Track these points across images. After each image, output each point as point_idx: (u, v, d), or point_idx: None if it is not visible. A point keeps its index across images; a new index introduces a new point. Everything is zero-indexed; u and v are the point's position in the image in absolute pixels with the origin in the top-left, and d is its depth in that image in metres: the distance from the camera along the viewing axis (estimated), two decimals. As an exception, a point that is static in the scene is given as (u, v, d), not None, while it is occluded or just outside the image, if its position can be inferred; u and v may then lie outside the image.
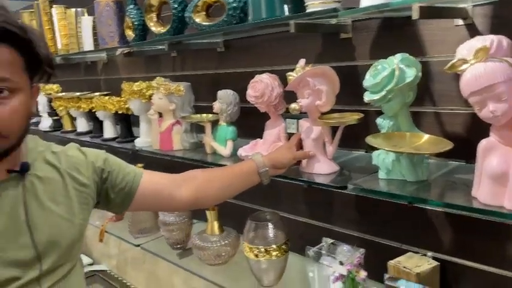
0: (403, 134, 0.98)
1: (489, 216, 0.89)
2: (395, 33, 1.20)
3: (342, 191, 1.36)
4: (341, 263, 1.11)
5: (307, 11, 1.10)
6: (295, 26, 1.10)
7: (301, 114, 1.24)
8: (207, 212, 1.53)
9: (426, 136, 0.98)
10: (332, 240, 1.23)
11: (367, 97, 1.00)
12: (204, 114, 1.55)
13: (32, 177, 0.88)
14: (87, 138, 2.07)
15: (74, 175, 0.94)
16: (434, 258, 1.15)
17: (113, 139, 1.94)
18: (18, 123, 0.80)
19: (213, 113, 1.51)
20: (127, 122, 1.91)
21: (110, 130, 1.97)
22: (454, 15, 1.05)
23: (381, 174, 1.04)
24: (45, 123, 2.49)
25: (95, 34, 1.96)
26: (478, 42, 0.80)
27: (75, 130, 2.27)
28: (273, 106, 1.31)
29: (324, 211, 1.46)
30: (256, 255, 1.30)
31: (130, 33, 1.73)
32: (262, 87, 1.27)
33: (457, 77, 1.08)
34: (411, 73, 0.96)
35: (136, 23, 1.68)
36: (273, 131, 1.34)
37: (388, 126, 1.01)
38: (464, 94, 0.82)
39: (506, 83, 0.77)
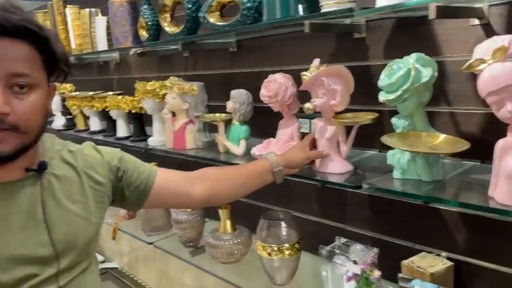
0: (418, 133, 0.98)
1: (506, 216, 0.88)
2: (410, 33, 1.20)
3: (355, 191, 1.36)
4: (355, 262, 1.12)
5: (322, 11, 1.10)
6: (309, 26, 1.11)
7: (314, 114, 1.24)
8: (220, 211, 1.54)
9: (442, 136, 0.97)
10: (345, 240, 1.23)
11: (382, 97, 1.00)
12: (217, 114, 1.56)
13: (49, 176, 0.89)
14: (100, 137, 2.09)
15: (90, 174, 0.95)
16: (448, 258, 1.15)
17: (126, 138, 1.96)
18: (37, 120, 0.82)
19: (226, 113, 1.52)
20: (140, 121, 1.92)
21: (123, 129, 1.99)
22: (470, 15, 1.04)
23: (396, 174, 1.04)
24: (59, 122, 2.52)
25: (108, 34, 1.98)
26: (496, 42, 0.80)
27: (88, 129, 2.30)
28: (286, 106, 1.31)
29: (337, 210, 1.46)
30: (269, 254, 1.31)
31: (143, 33, 1.74)
32: (276, 86, 1.28)
33: (472, 76, 1.09)
34: (427, 73, 0.95)
35: (150, 23, 1.69)
36: (286, 131, 1.34)
37: (404, 126, 1.01)
38: (481, 94, 0.82)
39: (525, 82, 0.77)
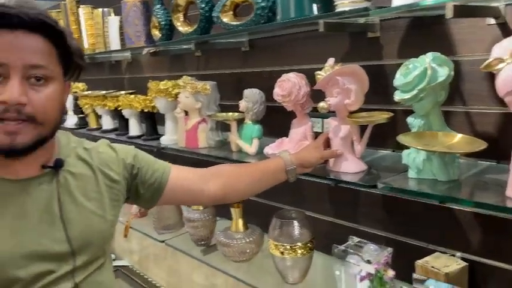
0: (434, 133, 0.98)
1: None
2: (424, 32, 1.19)
3: (368, 190, 1.36)
4: (369, 262, 1.11)
5: (337, 10, 1.10)
6: (324, 25, 1.11)
7: (327, 114, 1.24)
8: (232, 210, 1.55)
9: (459, 136, 0.97)
10: (358, 239, 1.23)
11: (398, 96, 1.00)
12: (230, 113, 1.57)
13: (65, 173, 0.89)
14: (112, 136, 2.10)
15: (105, 171, 0.96)
16: (462, 259, 1.15)
17: (138, 137, 1.98)
18: (53, 111, 0.83)
19: (239, 112, 1.52)
20: (152, 120, 1.94)
21: (135, 128, 2.01)
22: (486, 14, 1.04)
23: (411, 174, 1.04)
24: (71, 120, 2.55)
25: (121, 34, 2.00)
26: (514, 41, 0.80)
27: (101, 128, 2.32)
28: (299, 105, 1.32)
29: (349, 210, 1.46)
30: (282, 253, 1.32)
31: (156, 33, 1.76)
32: (290, 86, 1.28)
33: (488, 76, 1.08)
34: (443, 72, 0.95)
35: (163, 22, 1.71)
36: (299, 130, 1.35)
37: (419, 125, 1.00)
38: (500, 93, 0.82)
39: (544, 82, 0.76)
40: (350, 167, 1.16)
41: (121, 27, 1.99)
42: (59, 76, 0.84)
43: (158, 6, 1.73)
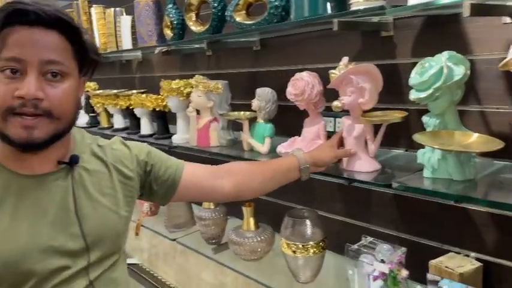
0: (451, 132, 0.97)
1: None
2: (438, 31, 1.19)
3: (380, 190, 1.36)
4: (383, 261, 1.11)
5: (352, 8, 1.10)
6: (338, 24, 1.11)
7: (339, 113, 1.24)
8: (243, 208, 1.55)
9: (475, 135, 0.96)
10: (372, 239, 1.22)
11: (413, 95, 1.00)
12: (242, 112, 1.57)
13: (80, 169, 0.90)
14: (123, 135, 2.11)
15: (119, 168, 0.97)
16: (477, 259, 1.14)
17: (150, 136, 1.99)
18: (69, 107, 0.84)
19: (250, 111, 1.53)
20: (163, 119, 1.94)
21: (146, 127, 2.02)
22: (502, 13, 1.03)
23: (426, 173, 1.03)
24: (82, 119, 2.57)
25: (133, 33, 2.01)
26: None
27: (112, 126, 2.33)
28: (312, 104, 1.32)
29: (361, 210, 1.45)
30: (294, 252, 1.32)
31: (168, 32, 1.77)
32: (303, 85, 1.28)
33: (504, 75, 1.08)
34: (460, 71, 0.95)
35: (175, 22, 1.72)
36: (312, 129, 1.34)
37: (435, 124, 1.00)
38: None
39: None
40: (364, 166, 1.16)
41: (133, 27, 2.01)
42: (75, 72, 0.85)
43: (170, 5, 1.74)
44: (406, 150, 1.29)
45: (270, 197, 1.72)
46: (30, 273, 0.80)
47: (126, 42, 2.05)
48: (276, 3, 1.29)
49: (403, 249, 1.14)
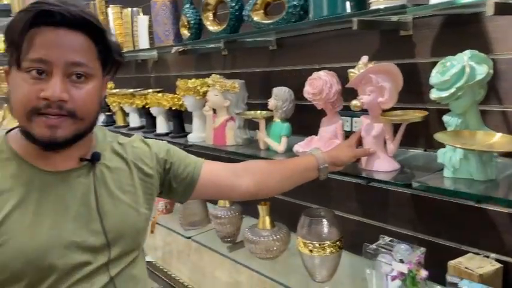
0: (473, 132, 0.97)
1: None
2: (458, 30, 1.18)
3: (398, 189, 1.35)
4: (401, 261, 1.11)
5: (372, 7, 1.10)
6: (358, 23, 1.11)
7: (356, 112, 1.23)
8: (259, 207, 1.56)
9: (498, 135, 0.95)
10: (390, 238, 1.22)
11: (435, 94, 0.99)
12: (259, 111, 1.58)
13: (101, 167, 0.92)
14: (139, 134, 2.13)
15: (140, 165, 0.98)
16: (497, 260, 1.13)
17: (166, 134, 2.00)
18: (93, 107, 0.85)
19: (267, 110, 1.53)
20: (179, 118, 1.96)
21: (162, 126, 2.03)
22: (526, 12, 1.02)
23: (447, 173, 1.02)
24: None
25: (150, 33, 2.03)
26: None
27: (128, 125, 2.36)
28: (330, 103, 1.32)
29: (378, 210, 1.45)
30: (311, 251, 1.32)
31: (185, 32, 1.78)
32: (321, 84, 1.28)
33: (526, 74, 1.07)
34: (482, 70, 0.94)
35: (192, 21, 1.73)
36: (330, 128, 1.34)
37: (456, 124, 0.99)
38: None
39: None
40: (383, 165, 1.16)
41: (150, 27, 2.02)
42: (98, 72, 0.86)
43: (187, 5, 1.75)
44: (425, 150, 1.28)
45: (286, 196, 1.73)
46: (52, 269, 0.81)
47: (144, 42, 2.07)
48: (295, 3, 1.29)
49: (422, 249, 1.14)
